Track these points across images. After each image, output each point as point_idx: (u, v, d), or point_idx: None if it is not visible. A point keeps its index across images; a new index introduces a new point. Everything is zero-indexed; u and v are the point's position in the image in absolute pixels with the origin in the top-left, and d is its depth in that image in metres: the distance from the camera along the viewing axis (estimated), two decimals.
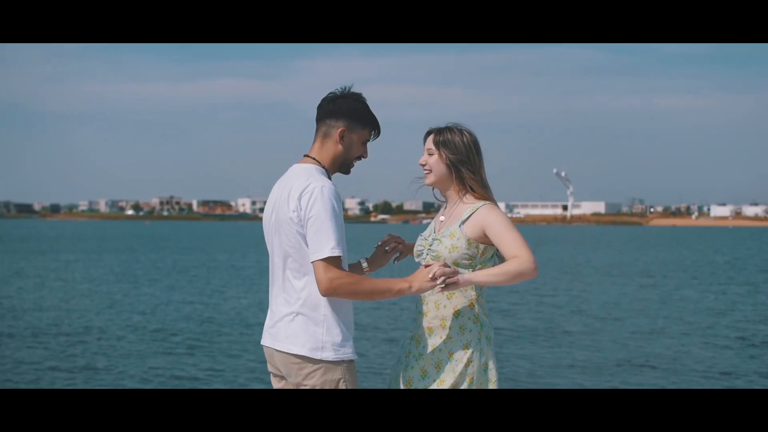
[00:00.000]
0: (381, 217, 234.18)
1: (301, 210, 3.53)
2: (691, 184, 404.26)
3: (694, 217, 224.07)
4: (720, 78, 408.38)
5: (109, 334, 16.24)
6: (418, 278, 3.67)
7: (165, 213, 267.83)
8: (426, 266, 3.73)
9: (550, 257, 46.36)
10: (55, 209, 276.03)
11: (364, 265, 4.01)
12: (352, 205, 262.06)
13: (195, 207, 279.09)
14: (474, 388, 3.81)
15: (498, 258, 3.98)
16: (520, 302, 22.03)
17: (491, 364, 3.84)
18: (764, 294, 25.79)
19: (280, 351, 3.63)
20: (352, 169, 3.79)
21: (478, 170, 3.94)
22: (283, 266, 3.63)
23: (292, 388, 3.66)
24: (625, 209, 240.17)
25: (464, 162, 3.92)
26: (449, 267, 3.73)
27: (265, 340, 3.74)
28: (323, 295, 3.52)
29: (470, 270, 3.83)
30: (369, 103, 3.76)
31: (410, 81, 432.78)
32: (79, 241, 70.82)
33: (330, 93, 3.74)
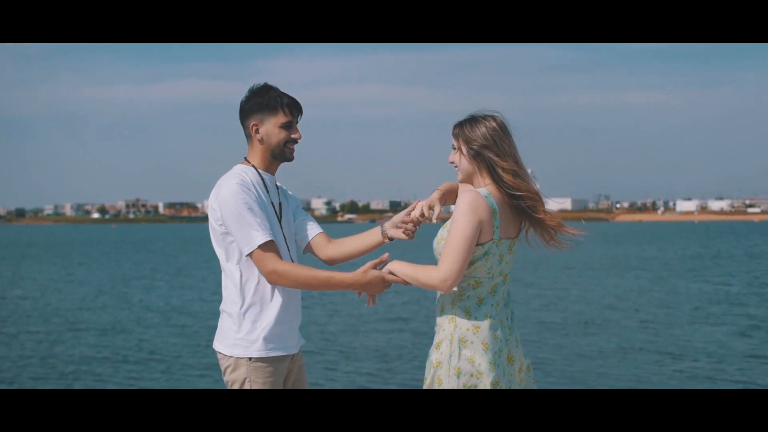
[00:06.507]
0: (348, 216, 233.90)
1: (215, 213, 3.63)
2: (656, 179, 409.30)
3: (660, 212, 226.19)
4: (685, 74, 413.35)
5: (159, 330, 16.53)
6: (360, 279, 3.58)
7: (131, 215, 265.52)
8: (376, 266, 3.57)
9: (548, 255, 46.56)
10: (20, 214, 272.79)
11: (384, 230, 3.81)
12: (319, 205, 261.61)
13: (161, 209, 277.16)
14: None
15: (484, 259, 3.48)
16: (548, 294, 22.51)
17: (466, 369, 3.36)
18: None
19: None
20: (293, 154, 3.76)
21: (504, 158, 3.45)
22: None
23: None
24: (591, 205, 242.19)
25: (483, 152, 3.48)
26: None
27: None
28: (269, 283, 3.60)
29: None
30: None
31: (374, 80, 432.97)
32: (56, 247, 70.15)
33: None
